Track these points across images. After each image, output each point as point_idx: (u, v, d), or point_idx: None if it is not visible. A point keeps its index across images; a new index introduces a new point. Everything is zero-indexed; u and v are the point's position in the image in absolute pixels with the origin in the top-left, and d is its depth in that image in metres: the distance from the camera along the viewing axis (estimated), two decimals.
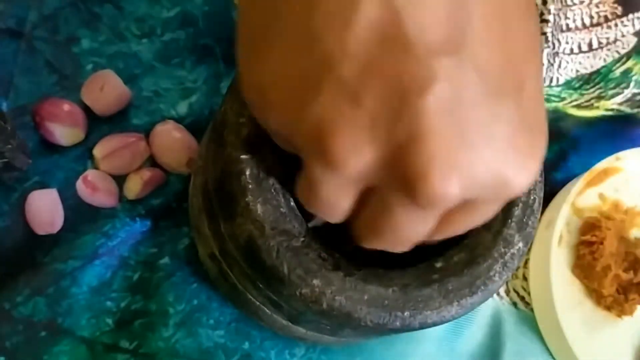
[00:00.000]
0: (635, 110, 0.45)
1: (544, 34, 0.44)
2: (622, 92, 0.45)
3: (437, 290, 0.26)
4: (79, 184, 0.36)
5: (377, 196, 0.20)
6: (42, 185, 0.37)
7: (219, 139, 0.26)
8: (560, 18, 0.45)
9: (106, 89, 0.37)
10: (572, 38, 0.45)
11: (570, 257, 0.41)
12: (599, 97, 0.45)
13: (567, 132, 0.44)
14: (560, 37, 0.45)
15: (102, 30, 0.39)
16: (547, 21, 0.44)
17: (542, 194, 0.29)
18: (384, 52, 0.18)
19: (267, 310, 0.31)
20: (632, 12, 0.46)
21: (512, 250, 0.27)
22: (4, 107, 0.37)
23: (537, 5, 0.44)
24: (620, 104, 0.45)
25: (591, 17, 0.45)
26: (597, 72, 0.45)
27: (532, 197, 0.28)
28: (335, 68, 0.18)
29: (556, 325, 0.39)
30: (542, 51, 0.44)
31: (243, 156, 0.25)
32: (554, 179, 0.43)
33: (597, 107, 0.45)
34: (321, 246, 0.25)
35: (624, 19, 0.46)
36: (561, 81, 0.44)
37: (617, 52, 0.46)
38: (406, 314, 0.25)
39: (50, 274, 0.36)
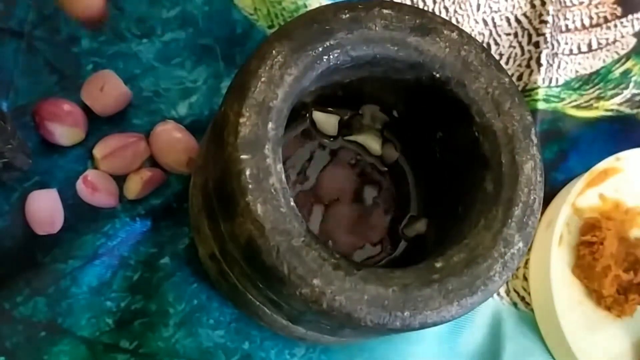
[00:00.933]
0: (635, 111, 0.45)
1: (543, 34, 0.44)
2: (622, 93, 0.45)
3: (437, 290, 0.26)
4: (79, 184, 0.36)
5: None
6: (42, 185, 0.37)
7: (219, 139, 0.26)
8: (559, 19, 0.45)
9: (106, 89, 0.37)
10: (571, 39, 0.45)
11: (570, 257, 0.41)
12: (599, 98, 0.45)
13: (567, 133, 0.44)
14: (559, 37, 0.45)
15: (102, 30, 0.39)
16: (545, 22, 0.44)
17: (542, 194, 0.29)
18: None
19: (267, 310, 0.31)
20: (632, 12, 0.46)
21: (512, 251, 0.27)
22: (4, 107, 0.37)
23: (535, 6, 0.44)
24: (620, 104, 0.45)
25: (590, 17, 0.45)
26: (597, 72, 0.45)
27: (532, 197, 0.28)
28: None
29: (556, 326, 0.39)
30: (541, 52, 0.44)
31: (243, 156, 0.25)
32: (554, 179, 0.43)
33: (597, 108, 0.45)
34: (321, 246, 0.25)
35: (624, 19, 0.46)
36: (560, 82, 0.44)
37: (617, 52, 0.46)
38: (406, 314, 0.25)
39: (50, 274, 0.36)
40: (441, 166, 0.34)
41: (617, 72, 0.45)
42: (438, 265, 0.27)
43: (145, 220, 0.37)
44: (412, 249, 0.35)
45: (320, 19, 0.28)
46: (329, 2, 0.42)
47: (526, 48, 0.44)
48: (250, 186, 0.25)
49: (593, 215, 0.41)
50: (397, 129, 0.36)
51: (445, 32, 0.30)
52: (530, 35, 0.44)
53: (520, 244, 0.28)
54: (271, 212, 0.25)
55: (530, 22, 0.44)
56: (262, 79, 0.26)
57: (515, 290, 0.41)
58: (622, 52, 0.46)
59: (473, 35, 0.43)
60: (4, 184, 0.36)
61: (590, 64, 0.45)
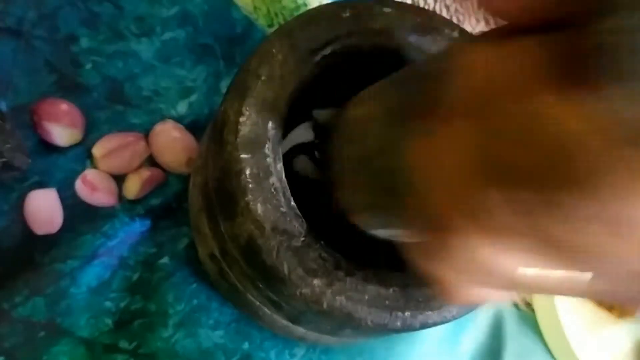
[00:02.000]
0: None
1: None
2: None
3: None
4: (78, 184, 0.36)
5: None
6: (41, 185, 0.37)
7: (219, 139, 0.26)
8: None
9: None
10: None
11: None
12: None
13: None
14: None
15: (102, 29, 0.39)
16: None
17: None
18: None
19: (267, 311, 0.31)
20: None
21: None
22: (3, 107, 0.37)
23: None
24: None
25: None
26: None
27: None
28: None
29: (558, 326, 0.38)
30: None
31: (243, 156, 0.25)
32: None
33: None
34: (321, 246, 0.25)
35: None
36: None
37: None
38: (407, 314, 0.25)
39: (49, 274, 0.36)
40: None
41: None
42: None
43: (144, 220, 0.37)
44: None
45: (321, 17, 0.28)
46: (330, 1, 0.42)
47: None
48: (250, 186, 0.25)
49: None
50: None
51: (446, 31, 0.30)
52: None
53: None
54: (271, 211, 0.25)
55: None
56: (262, 78, 0.26)
57: None
58: None
59: (474, 33, 0.43)
60: (2, 184, 0.36)
61: None
